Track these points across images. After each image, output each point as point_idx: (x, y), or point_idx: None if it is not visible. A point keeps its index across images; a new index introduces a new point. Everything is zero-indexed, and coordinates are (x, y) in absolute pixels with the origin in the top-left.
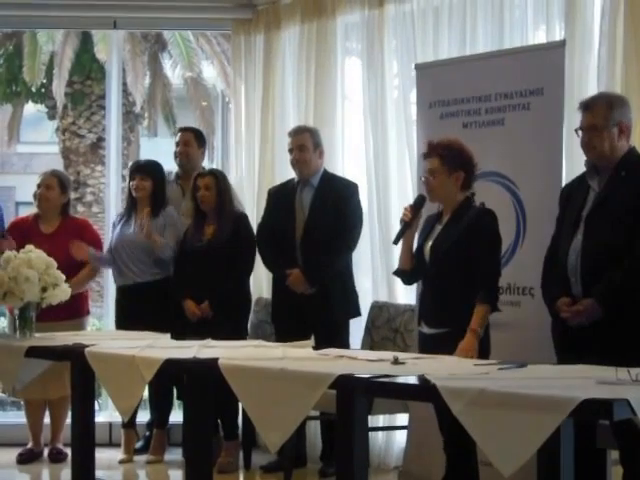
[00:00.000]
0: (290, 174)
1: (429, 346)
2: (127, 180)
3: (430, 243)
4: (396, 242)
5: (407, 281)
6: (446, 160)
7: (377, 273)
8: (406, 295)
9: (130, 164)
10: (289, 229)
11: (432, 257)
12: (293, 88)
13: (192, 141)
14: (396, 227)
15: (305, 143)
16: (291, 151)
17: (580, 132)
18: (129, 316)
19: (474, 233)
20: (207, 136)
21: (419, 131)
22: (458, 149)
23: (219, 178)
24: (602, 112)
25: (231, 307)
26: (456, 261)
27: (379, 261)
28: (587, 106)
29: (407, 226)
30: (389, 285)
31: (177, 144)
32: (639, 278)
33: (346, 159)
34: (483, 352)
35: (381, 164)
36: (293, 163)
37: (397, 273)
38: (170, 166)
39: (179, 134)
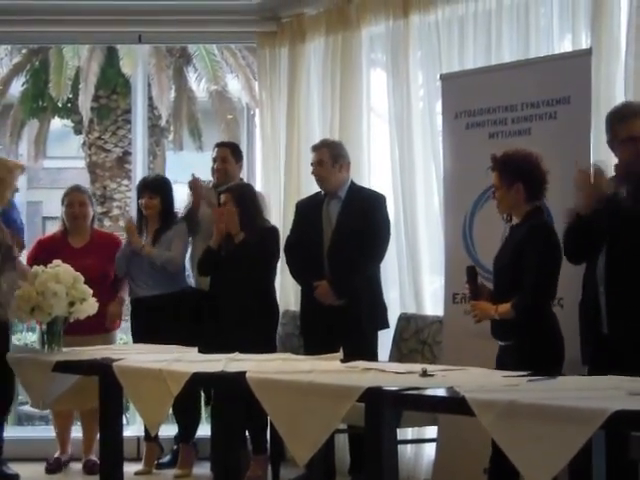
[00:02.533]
0: (316, 187)
1: (502, 357)
2: (136, 197)
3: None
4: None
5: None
6: (503, 173)
7: (404, 285)
8: (434, 306)
9: (137, 181)
10: (317, 241)
11: (494, 271)
12: (318, 100)
13: (229, 157)
14: (423, 238)
15: (322, 158)
16: (312, 166)
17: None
18: (143, 330)
19: (525, 245)
20: None
21: (445, 141)
22: (516, 160)
23: (238, 194)
24: None
25: (258, 319)
26: (509, 275)
27: (406, 273)
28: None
29: (475, 299)
30: (416, 296)
31: (214, 160)
32: None
33: (372, 171)
34: (552, 357)
35: (407, 175)
36: (316, 178)
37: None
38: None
39: (215, 150)
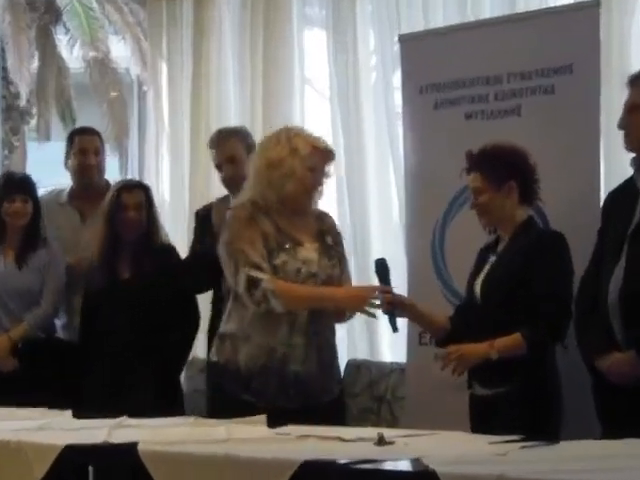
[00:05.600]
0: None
1: (484, 411)
2: None
3: (481, 278)
4: (396, 329)
5: (454, 341)
6: (489, 172)
7: (352, 321)
8: (393, 350)
9: None
10: None
11: (483, 296)
12: (234, 70)
13: (100, 147)
14: (379, 253)
15: (235, 153)
16: (218, 167)
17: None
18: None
19: (534, 261)
20: (119, 138)
21: (406, 126)
22: (503, 154)
23: (149, 194)
24: None
25: (156, 370)
26: (513, 298)
27: None
28: (633, 81)
29: (392, 307)
30: (369, 337)
31: (76, 153)
32: None
33: None
34: (544, 414)
35: (355, 173)
36: (226, 182)
37: (437, 344)
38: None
39: (77, 139)
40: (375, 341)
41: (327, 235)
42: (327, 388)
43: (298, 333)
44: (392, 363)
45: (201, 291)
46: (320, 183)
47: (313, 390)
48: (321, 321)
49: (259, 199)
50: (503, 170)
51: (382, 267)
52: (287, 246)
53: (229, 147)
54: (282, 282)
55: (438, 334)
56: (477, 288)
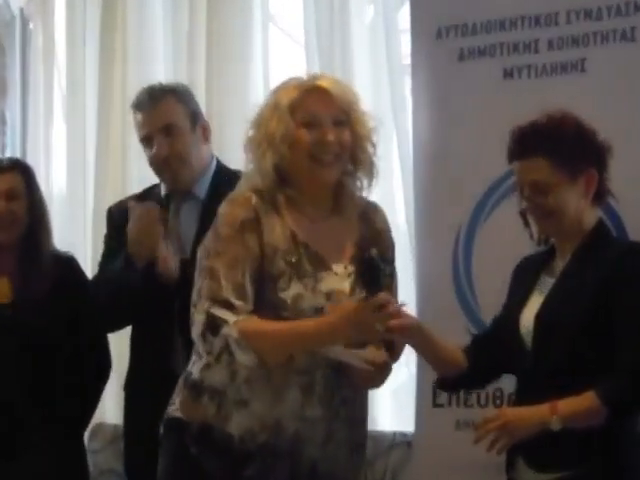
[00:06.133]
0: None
1: None
2: None
3: (532, 311)
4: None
5: (469, 386)
6: (563, 157)
7: None
8: (396, 414)
9: None
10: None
11: (538, 338)
12: (165, 4)
13: None
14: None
15: (172, 120)
16: (147, 140)
17: None
18: None
19: (614, 290)
20: None
21: (417, 86)
22: (575, 128)
23: (30, 178)
24: None
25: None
26: (587, 344)
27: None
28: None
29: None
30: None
31: None
32: None
33: None
34: None
35: None
36: (157, 164)
37: (440, 386)
38: None
39: None
40: (371, 402)
41: (373, 246)
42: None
43: (316, 401)
44: (395, 433)
45: (116, 327)
46: (334, 141)
47: None
48: (350, 382)
49: (263, 188)
50: (582, 154)
51: (372, 266)
52: (307, 269)
53: (164, 112)
54: (251, 322)
55: (445, 371)
56: (525, 324)
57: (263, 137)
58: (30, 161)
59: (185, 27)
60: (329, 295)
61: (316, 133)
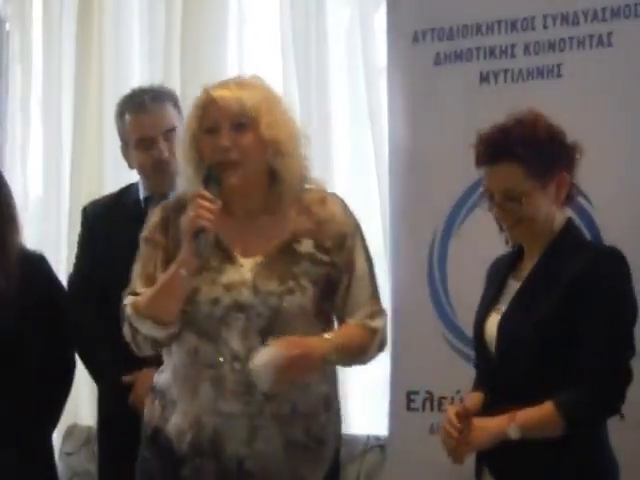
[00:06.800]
0: (133, 175)
1: None
2: None
3: (495, 316)
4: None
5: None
6: (534, 161)
7: None
8: (369, 416)
9: None
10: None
11: (500, 343)
12: (140, 4)
13: None
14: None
15: (174, 124)
16: (146, 142)
17: None
18: None
19: (581, 295)
20: None
21: (393, 89)
22: (547, 132)
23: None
24: None
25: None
26: (546, 349)
27: None
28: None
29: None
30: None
31: None
32: None
33: None
34: None
35: (318, 155)
36: (154, 166)
37: None
38: None
39: None
40: (344, 405)
41: (305, 238)
42: (303, 478)
43: (229, 395)
44: (368, 437)
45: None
46: (230, 145)
47: None
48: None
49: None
50: (555, 158)
51: (209, 178)
52: (212, 264)
53: (168, 115)
54: (141, 296)
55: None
56: (489, 330)
57: (183, 147)
58: (6, 162)
59: (161, 27)
60: (228, 286)
61: (215, 139)
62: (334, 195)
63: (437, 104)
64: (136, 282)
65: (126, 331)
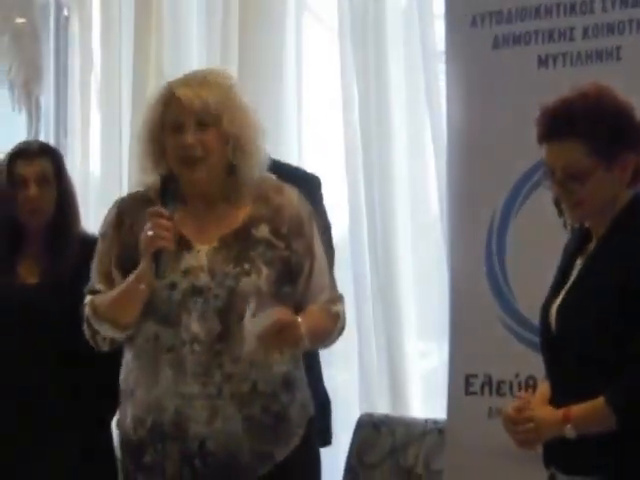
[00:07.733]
0: None
1: None
2: None
3: (561, 296)
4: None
5: None
6: (597, 139)
7: (369, 359)
8: (427, 401)
9: None
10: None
11: (561, 323)
12: None
13: None
14: (405, 269)
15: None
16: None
17: None
18: None
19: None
20: (27, 86)
21: (451, 73)
22: (613, 108)
23: (60, 164)
24: None
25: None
26: (608, 330)
27: (372, 336)
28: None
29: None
30: (392, 383)
31: None
32: None
33: (305, 137)
34: None
35: (375, 139)
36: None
37: None
38: None
39: None
40: (401, 388)
41: (261, 224)
42: (265, 454)
43: (190, 378)
44: (426, 421)
45: None
46: (194, 143)
47: (236, 462)
48: (234, 358)
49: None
50: (621, 137)
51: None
52: (170, 252)
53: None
54: (100, 296)
55: None
56: (553, 311)
57: (142, 139)
58: (67, 146)
59: (219, 13)
60: (186, 272)
61: (179, 137)
62: (290, 185)
63: (495, 88)
64: (94, 279)
65: (85, 330)
